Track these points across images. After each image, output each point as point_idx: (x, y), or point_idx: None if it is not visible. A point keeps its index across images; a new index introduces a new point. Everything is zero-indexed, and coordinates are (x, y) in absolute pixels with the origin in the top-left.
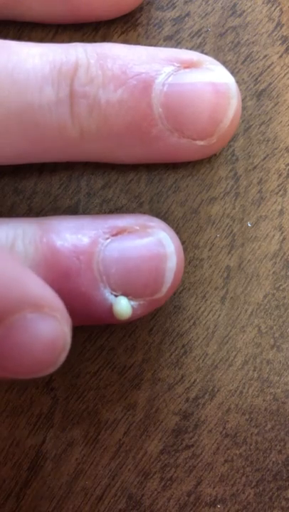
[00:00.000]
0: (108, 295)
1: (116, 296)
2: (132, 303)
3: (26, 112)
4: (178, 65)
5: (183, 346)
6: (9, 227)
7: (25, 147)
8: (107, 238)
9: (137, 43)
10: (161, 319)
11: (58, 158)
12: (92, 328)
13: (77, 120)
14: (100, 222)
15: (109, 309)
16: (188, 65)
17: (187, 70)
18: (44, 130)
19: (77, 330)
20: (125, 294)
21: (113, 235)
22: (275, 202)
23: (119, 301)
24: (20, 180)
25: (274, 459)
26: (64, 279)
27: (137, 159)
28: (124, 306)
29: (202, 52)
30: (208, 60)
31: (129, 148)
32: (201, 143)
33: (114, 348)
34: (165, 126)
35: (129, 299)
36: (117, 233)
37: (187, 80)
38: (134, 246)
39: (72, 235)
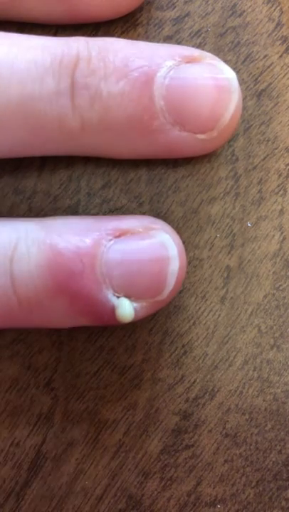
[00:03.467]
0: (111, 297)
1: (118, 297)
2: (134, 304)
3: (26, 103)
4: (179, 59)
5: (183, 346)
6: (12, 228)
7: (24, 138)
8: (110, 240)
9: None
10: (161, 319)
11: (57, 151)
12: (92, 328)
13: (78, 112)
14: (103, 224)
15: (112, 311)
16: (190, 60)
17: (189, 65)
18: (44, 121)
19: (77, 330)
20: (127, 296)
21: (116, 237)
22: (275, 202)
23: (122, 305)
24: (20, 180)
25: (274, 459)
26: (67, 280)
27: (138, 153)
28: (127, 310)
29: None
30: (209, 56)
31: (130, 141)
32: (202, 136)
33: (114, 348)
34: (166, 120)
35: (132, 301)
36: (120, 235)
37: (189, 73)
38: (136, 248)
39: (75, 236)
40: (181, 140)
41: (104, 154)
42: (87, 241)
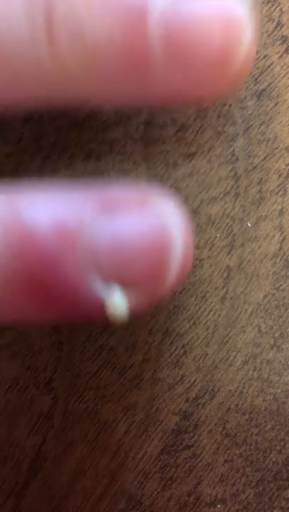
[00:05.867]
0: (97, 287)
1: (107, 288)
2: (128, 296)
3: None
4: None
5: (183, 346)
6: None
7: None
8: (97, 215)
9: None
10: (161, 319)
11: (38, 99)
12: (92, 328)
13: (57, 54)
14: (88, 195)
15: (100, 304)
16: None
17: None
18: (18, 64)
19: (77, 330)
20: (118, 286)
21: (105, 212)
22: (275, 202)
23: (113, 297)
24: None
25: (274, 459)
26: (42, 266)
27: (131, 100)
28: (118, 302)
29: None
30: None
31: (122, 85)
32: (207, 81)
33: (114, 348)
34: (163, 59)
35: (124, 292)
36: (110, 209)
37: (192, 2)
38: (130, 226)
39: (53, 211)
40: (179, 84)
41: (94, 102)
42: (68, 217)
